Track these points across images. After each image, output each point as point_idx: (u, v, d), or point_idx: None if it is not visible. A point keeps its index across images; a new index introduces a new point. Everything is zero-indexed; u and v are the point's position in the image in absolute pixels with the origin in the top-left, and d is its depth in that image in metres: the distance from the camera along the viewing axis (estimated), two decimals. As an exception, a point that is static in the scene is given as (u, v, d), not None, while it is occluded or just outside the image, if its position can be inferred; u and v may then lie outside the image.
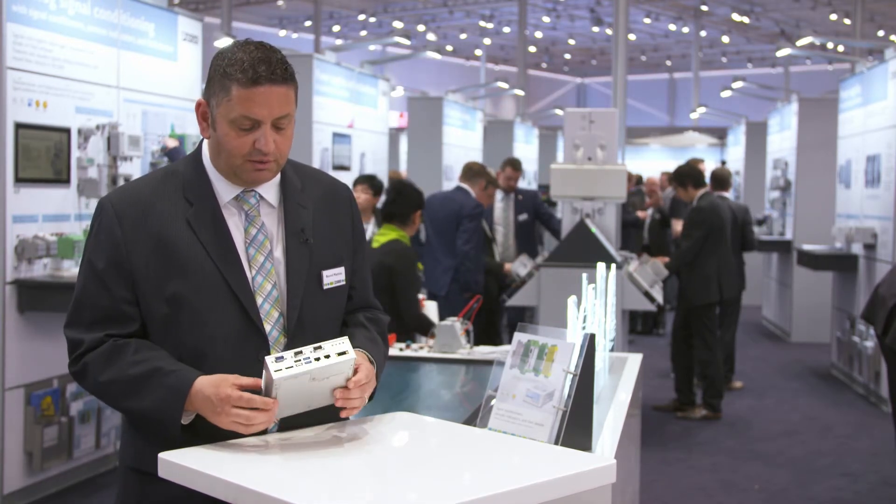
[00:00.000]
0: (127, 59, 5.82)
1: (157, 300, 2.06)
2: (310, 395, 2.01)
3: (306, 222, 2.18)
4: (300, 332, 2.12)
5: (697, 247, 7.15)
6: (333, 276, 2.20)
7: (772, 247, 11.53)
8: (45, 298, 5.04)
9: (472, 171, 7.41)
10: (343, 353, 1.99)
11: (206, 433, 2.01)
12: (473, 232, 7.01)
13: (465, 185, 7.33)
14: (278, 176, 2.19)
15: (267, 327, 2.09)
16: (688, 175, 7.44)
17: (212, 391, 1.96)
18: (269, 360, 1.93)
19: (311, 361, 1.95)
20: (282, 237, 2.15)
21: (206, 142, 2.17)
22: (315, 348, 1.97)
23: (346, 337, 2.03)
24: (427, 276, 6.95)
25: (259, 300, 2.09)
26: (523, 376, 2.34)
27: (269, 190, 2.17)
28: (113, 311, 2.07)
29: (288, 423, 2.11)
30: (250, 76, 2.01)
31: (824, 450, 6.54)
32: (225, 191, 2.13)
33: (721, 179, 8.45)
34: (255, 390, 1.97)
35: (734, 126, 16.39)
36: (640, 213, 11.04)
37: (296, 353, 1.96)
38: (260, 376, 2.00)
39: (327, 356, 1.97)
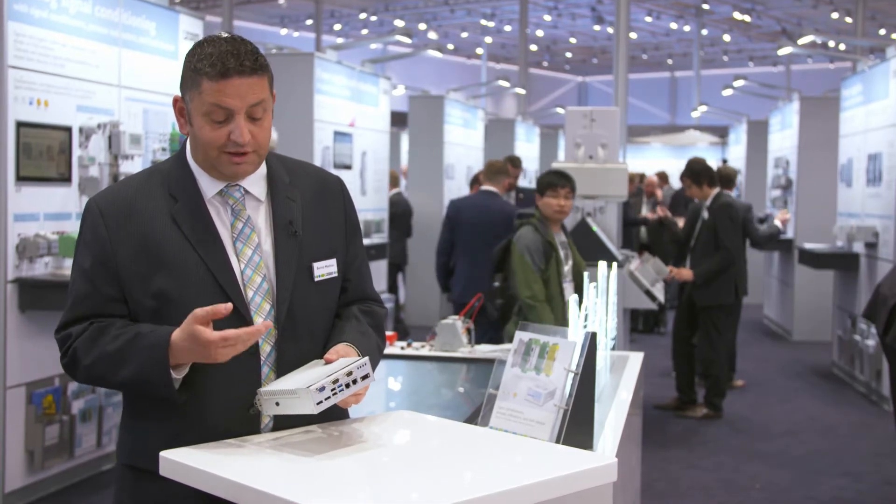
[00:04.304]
0: (128, 57, 5.82)
1: (144, 297, 2.07)
2: None
3: (295, 215, 2.18)
4: (291, 325, 2.12)
5: (740, 243, 7.14)
6: (325, 269, 2.20)
7: (773, 245, 11.53)
8: (46, 297, 5.04)
9: (493, 170, 7.25)
10: (365, 376, 2.01)
11: (203, 431, 2.03)
12: None
13: (492, 188, 7.17)
14: (264, 169, 2.19)
15: (258, 320, 2.09)
16: (703, 173, 7.30)
17: (191, 343, 1.95)
18: (313, 388, 1.92)
19: (343, 389, 1.97)
20: (270, 230, 2.16)
21: (189, 140, 2.17)
22: (347, 374, 1.98)
23: (367, 358, 2.04)
24: (474, 287, 6.55)
25: (249, 293, 2.10)
26: (525, 375, 2.34)
27: (255, 184, 2.17)
28: (101, 309, 2.08)
29: (288, 422, 2.11)
30: (219, 69, 2.01)
31: (826, 449, 6.54)
32: (208, 186, 2.13)
33: (727, 178, 8.42)
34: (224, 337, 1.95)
35: (735, 125, 16.39)
36: (650, 215, 10.99)
37: (334, 382, 1.96)
38: (250, 370, 2.01)
39: (355, 381, 1.98)
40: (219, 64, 2.01)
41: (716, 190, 7.28)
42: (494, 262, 5.35)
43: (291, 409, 1.98)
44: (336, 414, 2.16)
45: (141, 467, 2.09)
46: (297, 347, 2.13)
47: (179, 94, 2.12)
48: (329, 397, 1.95)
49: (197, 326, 1.93)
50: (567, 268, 5.25)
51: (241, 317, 2.07)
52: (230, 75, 2.01)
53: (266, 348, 2.10)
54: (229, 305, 1.95)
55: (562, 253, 5.19)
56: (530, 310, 5.02)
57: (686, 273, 7.12)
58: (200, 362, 1.99)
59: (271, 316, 2.11)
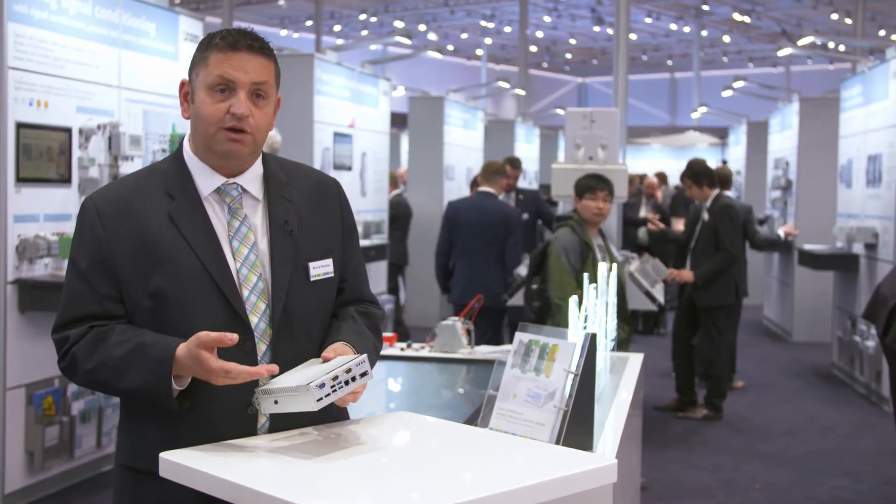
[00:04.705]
0: (128, 58, 5.82)
1: (141, 296, 2.07)
2: None
3: (291, 215, 2.19)
4: (287, 324, 2.13)
5: (740, 244, 7.12)
6: (321, 268, 2.20)
7: (773, 246, 11.52)
8: (46, 298, 5.04)
9: (490, 171, 7.26)
10: (364, 374, 2.00)
11: (200, 431, 2.04)
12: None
13: (490, 189, 7.17)
14: (261, 169, 2.20)
15: (254, 319, 2.10)
16: (704, 174, 7.29)
17: (195, 365, 1.96)
18: (313, 385, 1.92)
19: (342, 386, 1.96)
20: (267, 230, 2.16)
21: (186, 137, 2.19)
22: (346, 370, 1.98)
23: (366, 355, 2.03)
24: (473, 288, 6.70)
25: (245, 292, 2.10)
26: (524, 376, 2.34)
27: (253, 183, 2.17)
28: (98, 310, 2.08)
29: (284, 423, 2.11)
30: (229, 42, 2.09)
31: (825, 449, 6.54)
32: (206, 183, 2.14)
33: (723, 179, 8.41)
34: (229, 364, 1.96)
35: (735, 126, 16.38)
36: (650, 216, 10.98)
37: (333, 379, 1.96)
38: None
39: (354, 378, 1.98)
40: (230, 37, 2.09)
41: (716, 191, 7.27)
42: (532, 266, 5.38)
43: (290, 406, 1.97)
44: (335, 413, 2.16)
45: (139, 468, 2.09)
46: (293, 347, 2.13)
47: (187, 78, 2.16)
48: (329, 394, 1.94)
49: (202, 352, 1.94)
50: None
51: (237, 316, 2.08)
52: (239, 48, 2.08)
53: (262, 347, 2.11)
54: (235, 336, 1.96)
55: (598, 255, 5.22)
56: (559, 310, 5.02)
57: (686, 275, 7.11)
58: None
59: (267, 314, 2.11)
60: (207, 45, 2.11)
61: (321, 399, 1.93)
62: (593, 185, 5.26)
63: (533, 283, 5.33)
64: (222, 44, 2.08)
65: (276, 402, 1.99)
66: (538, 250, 5.38)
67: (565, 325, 5.03)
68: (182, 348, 1.98)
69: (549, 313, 5.18)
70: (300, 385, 1.94)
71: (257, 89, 2.09)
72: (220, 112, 2.07)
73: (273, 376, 2.07)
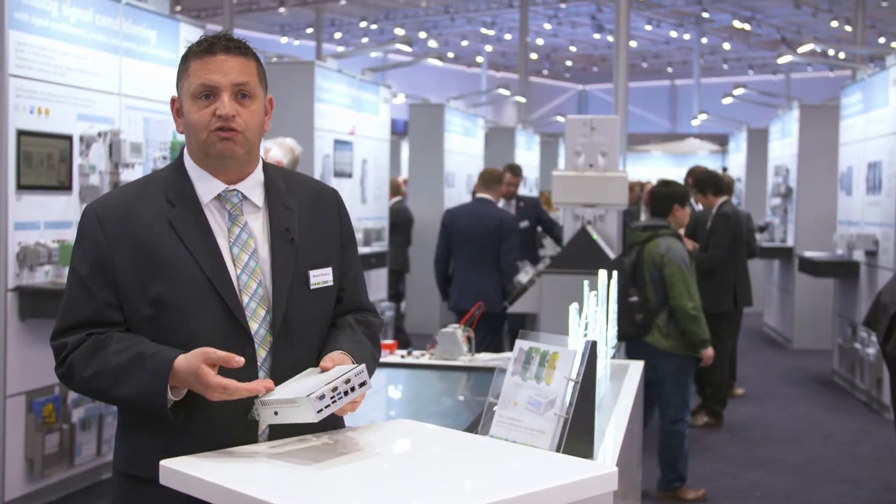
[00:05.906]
0: (129, 66, 5.83)
1: (141, 302, 2.07)
2: None
3: (291, 222, 2.19)
4: (287, 331, 2.13)
5: (726, 254, 7.12)
6: (320, 277, 2.21)
7: (773, 253, 11.53)
8: (46, 305, 5.04)
9: (490, 179, 7.31)
10: (363, 384, 2.01)
11: (198, 439, 2.03)
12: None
13: (487, 196, 7.21)
14: (262, 177, 2.21)
15: (254, 326, 2.10)
16: (707, 181, 7.28)
17: (193, 379, 1.97)
18: (313, 396, 1.93)
19: (342, 397, 1.97)
20: (267, 237, 2.17)
21: (186, 147, 2.20)
22: (345, 381, 1.98)
23: (364, 365, 2.04)
24: (470, 294, 6.79)
25: (245, 299, 2.10)
26: (525, 384, 2.34)
27: (253, 191, 2.18)
28: (97, 317, 2.08)
29: (284, 430, 2.11)
30: (204, 47, 2.11)
31: (826, 456, 6.53)
32: (206, 190, 2.15)
33: (725, 187, 8.42)
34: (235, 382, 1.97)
35: (735, 133, 16.40)
36: None
37: (333, 391, 1.96)
38: (247, 375, 2.00)
39: (353, 388, 1.99)
40: (205, 43, 2.11)
41: (722, 198, 7.26)
42: (627, 277, 5.37)
43: (290, 417, 1.97)
44: (331, 422, 2.16)
45: (137, 475, 2.10)
46: (292, 354, 2.14)
47: (176, 94, 2.17)
48: (329, 405, 1.95)
49: (203, 367, 1.95)
50: None
51: (236, 322, 2.08)
52: (215, 52, 2.10)
53: (262, 354, 2.11)
54: (241, 360, 1.97)
55: None
56: (693, 320, 5.18)
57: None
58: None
59: (267, 321, 2.12)
60: (187, 56, 2.13)
61: (321, 410, 1.93)
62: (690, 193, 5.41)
63: (630, 295, 5.35)
64: (198, 50, 2.10)
65: (275, 413, 1.99)
66: (631, 261, 5.38)
67: (704, 334, 5.17)
68: (182, 360, 1.98)
69: (652, 323, 5.26)
70: (300, 397, 1.94)
71: (241, 90, 2.11)
72: (207, 116, 2.09)
73: (272, 376, 2.08)
